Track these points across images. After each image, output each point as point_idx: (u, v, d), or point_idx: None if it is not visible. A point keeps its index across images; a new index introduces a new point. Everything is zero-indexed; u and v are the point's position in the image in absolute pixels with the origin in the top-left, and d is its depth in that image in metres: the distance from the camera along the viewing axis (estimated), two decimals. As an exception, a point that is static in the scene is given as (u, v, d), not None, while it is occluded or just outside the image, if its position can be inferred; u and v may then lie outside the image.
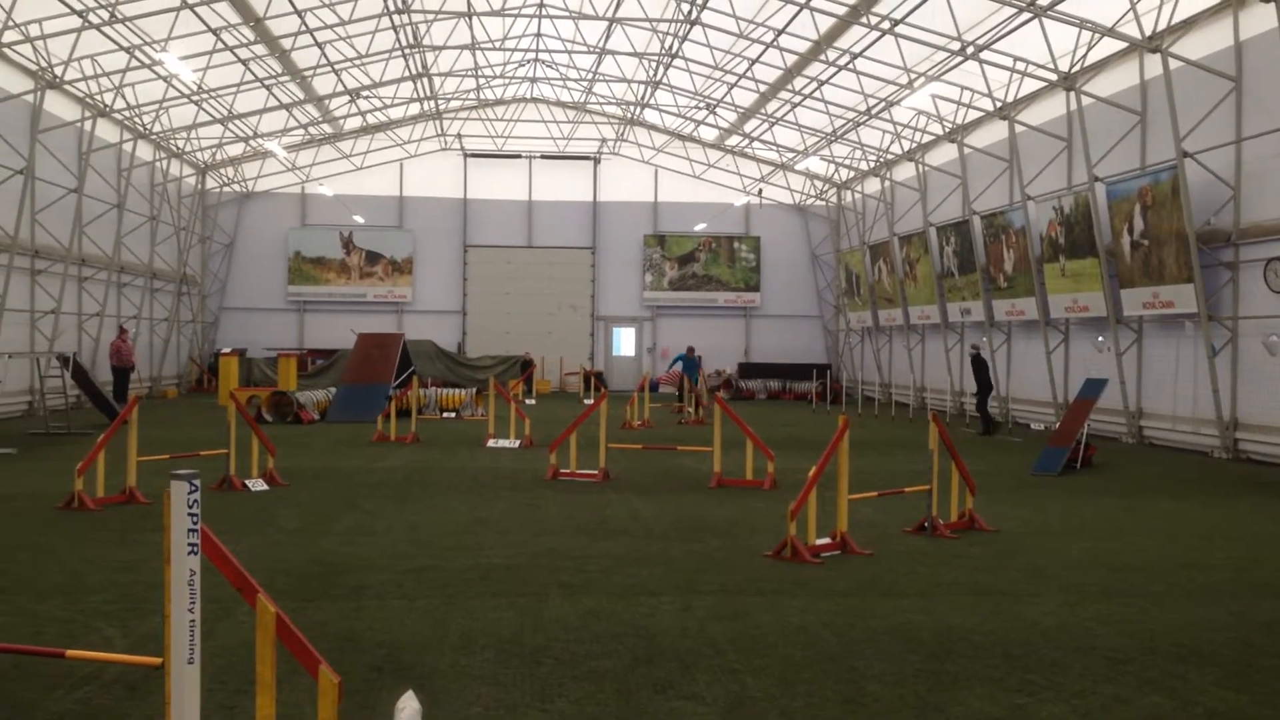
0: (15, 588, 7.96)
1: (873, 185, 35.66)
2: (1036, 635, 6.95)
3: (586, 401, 30.26)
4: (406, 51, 29.87)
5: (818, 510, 9.59)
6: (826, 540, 9.61)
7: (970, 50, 22.16)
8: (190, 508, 4.22)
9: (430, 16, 27.74)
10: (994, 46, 22.17)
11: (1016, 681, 6.01)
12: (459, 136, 39.45)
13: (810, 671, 6.16)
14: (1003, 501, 12.94)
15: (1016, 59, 22.27)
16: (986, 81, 24.01)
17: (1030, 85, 23.99)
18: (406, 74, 32.16)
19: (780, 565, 9.06)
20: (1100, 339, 22.66)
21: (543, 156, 40.12)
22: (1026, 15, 20.40)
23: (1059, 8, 19.74)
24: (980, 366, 23.43)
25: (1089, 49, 20.99)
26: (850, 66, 26.05)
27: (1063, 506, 12.82)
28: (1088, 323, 23.21)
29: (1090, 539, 10.62)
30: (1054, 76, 22.03)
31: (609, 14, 27.37)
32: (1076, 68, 21.54)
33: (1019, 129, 24.65)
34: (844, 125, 31.50)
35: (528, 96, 38.16)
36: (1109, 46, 21.09)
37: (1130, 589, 8.39)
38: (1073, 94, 21.81)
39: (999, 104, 24.81)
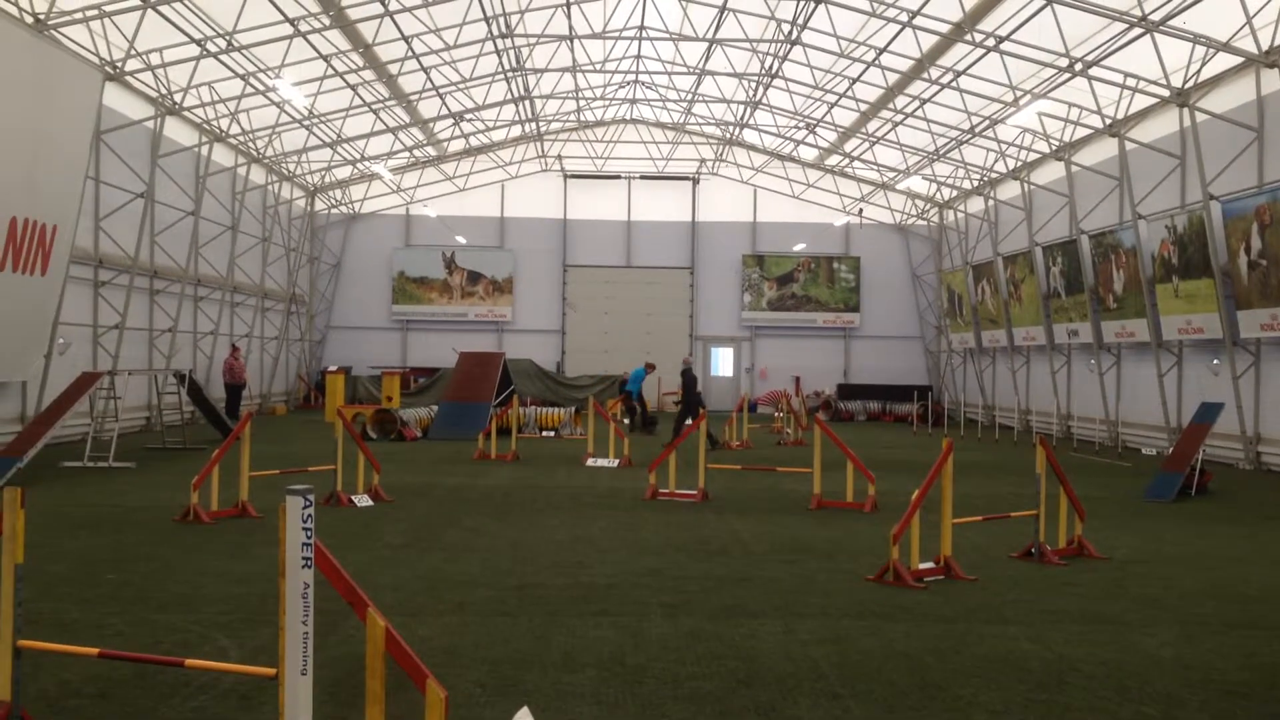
0: (137, 598, 8.25)
1: (976, 204, 35.10)
2: (1152, 667, 6.75)
3: (685, 421, 30.20)
4: (509, 75, 30.34)
5: (921, 534, 9.45)
6: (930, 565, 9.46)
7: (1079, 67, 21.74)
8: (304, 522, 4.33)
9: (533, 40, 28.14)
10: (1103, 63, 21.69)
11: (1131, 714, 5.84)
12: (559, 158, 39.88)
13: (915, 698, 6.06)
14: (1114, 528, 12.58)
15: (1127, 75, 21.76)
16: (1095, 98, 23.48)
17: (1141, 101, 23.39)
18: (509, 97, 32.67)
19: (882, 589, 8.95)
20: (1215, 361, 21.95)
21: (642, 177, 40.32)
22: (1138, 31, 19.94)
23: (1171, 23, 19.25)
24: (689, 382, 22.96)
25: (1203, 64, 20.40)
26: (954, 84, 25.72)
27: (1177, 534, 12.41)
28: (1202, 345, 22.50)
29: (1207, 568, 10.26)
30: (1166, 93, 21.47)
31: (709, 35, 27.46)
32: (1190, 83, 20.96)
33: (1129, 146, 24.05)
34: (947, 144, 31.07)
35: (627, 118, 38.45)
36: (1224, 62, 20.45)
37: (1250, 621, 8.09)
38: (1186, 110, 21.23)
39: (1108, 121, 24.24)
